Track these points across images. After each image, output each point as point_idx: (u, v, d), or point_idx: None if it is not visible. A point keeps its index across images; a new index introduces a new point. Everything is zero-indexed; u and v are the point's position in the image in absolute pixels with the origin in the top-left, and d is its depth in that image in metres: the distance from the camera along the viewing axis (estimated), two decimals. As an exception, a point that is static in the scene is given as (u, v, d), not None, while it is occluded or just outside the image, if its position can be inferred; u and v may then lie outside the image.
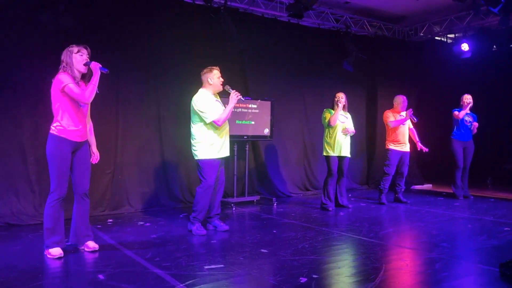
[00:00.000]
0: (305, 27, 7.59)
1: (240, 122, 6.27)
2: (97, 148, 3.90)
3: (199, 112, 4.30)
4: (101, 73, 3.55)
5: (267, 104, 6.57)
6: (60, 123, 3.48)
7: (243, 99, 4.43)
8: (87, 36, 5.24)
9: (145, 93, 5.88)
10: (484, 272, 3.19)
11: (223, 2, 6.18)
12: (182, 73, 6.03)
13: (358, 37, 8.06)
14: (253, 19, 6.94)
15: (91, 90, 3.50)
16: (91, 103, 3.65)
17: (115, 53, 5.56)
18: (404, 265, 3.38)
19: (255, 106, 6.44)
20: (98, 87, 3.57)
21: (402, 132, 6.33)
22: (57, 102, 3.48)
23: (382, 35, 8.39)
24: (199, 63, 4.55)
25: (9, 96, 4.87)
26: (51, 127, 3.51)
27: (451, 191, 6.93)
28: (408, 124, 6.45)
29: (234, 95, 4.35)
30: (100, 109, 5.41)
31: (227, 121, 4.46)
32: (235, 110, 6.19)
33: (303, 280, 2.96)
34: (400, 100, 6.37)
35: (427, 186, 8.39)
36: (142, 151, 5.86)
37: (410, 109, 6.24)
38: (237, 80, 6.76)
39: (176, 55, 6.06)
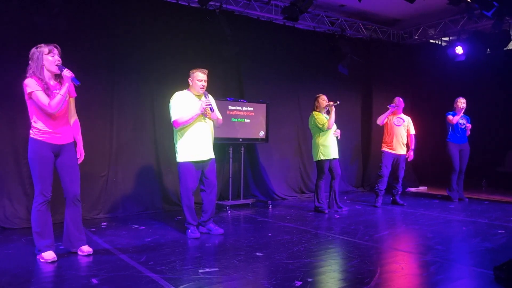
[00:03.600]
0: (300, 30, 7.60)
1: (235, 119, 6.27)
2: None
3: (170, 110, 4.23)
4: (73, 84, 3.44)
5: (263, 106, 6.58)
6: (36, 126, 3.38)
7: (209, 113, 4.22)
8: (81, 39, 5.26)
9: (139, 96, 5.86)
10: (479, 275, 3.20)
11: (218, 4, 6.18)
12: (177, 76, 5.98)
13: (353, 40, 8.08)
14: (249, 21, 6.94)
15: (58, 101, 3.31)
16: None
17: (110, 56, 5.55)
18: (399, 268, 3.38)
19: (251, 108, 6.44)
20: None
21: (396, 134, 6.35)
22: (29, 106, 3.38)
23: (377, 38, 8.42)
24: (194, 66, 4.53)
25: (2, 98, 4.83)
26: (30, 130, 3.42)
27: (446, 194, 6.96)
28: (408, 128, 6.48)
29: (202, 103, 4.20)
30: (94, 111, 5.41)
31: (210, 123, 4.35)
32: (230, 112, 6.20)
33: (298, 283, 2.95)
34: (397, 102, 6.39)
35: (422, 189, 8.40)
36: (137, 153, 5.84)
37: (392, 104, 6.36)
38: (233, 82, 6.77)
39: (171, 58, 6.04)
